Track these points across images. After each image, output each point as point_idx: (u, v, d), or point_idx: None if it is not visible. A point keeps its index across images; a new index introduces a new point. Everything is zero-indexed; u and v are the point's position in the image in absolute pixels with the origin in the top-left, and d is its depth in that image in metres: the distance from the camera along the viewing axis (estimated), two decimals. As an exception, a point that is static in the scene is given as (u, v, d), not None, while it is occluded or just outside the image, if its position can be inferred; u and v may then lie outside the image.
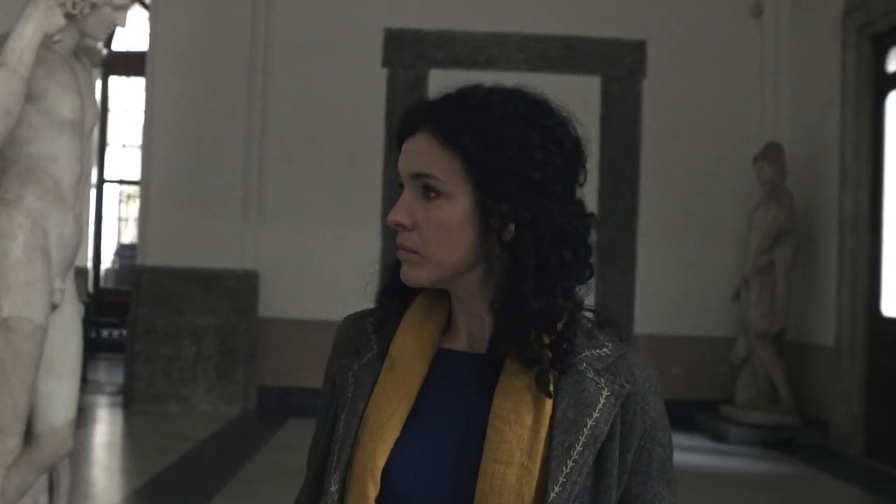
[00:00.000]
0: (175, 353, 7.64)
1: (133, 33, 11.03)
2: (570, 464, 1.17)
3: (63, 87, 2.65)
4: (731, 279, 7.76)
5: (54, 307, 2.71)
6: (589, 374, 1.21)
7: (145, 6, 9.34)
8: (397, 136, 1.26)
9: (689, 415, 7.61)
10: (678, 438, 6.48)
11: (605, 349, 1.24)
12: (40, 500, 2.90)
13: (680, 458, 5.69)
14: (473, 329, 1.27)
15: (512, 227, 1.20)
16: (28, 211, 2.60)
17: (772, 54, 8.06)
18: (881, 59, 6.82)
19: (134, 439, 7.06)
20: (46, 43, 2.55)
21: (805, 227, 7.42)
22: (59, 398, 2.77)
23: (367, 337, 1.30)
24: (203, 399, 7.70)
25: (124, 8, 2.76)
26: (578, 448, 1.18)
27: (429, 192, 1.21)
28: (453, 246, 1.22)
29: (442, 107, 1.23)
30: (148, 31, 8.28)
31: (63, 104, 2.64)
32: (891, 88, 6.73)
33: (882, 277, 6.69)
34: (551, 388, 1.19)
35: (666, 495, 1.25)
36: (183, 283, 7.69)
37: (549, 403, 1.19)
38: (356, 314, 1.35)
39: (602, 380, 1.21)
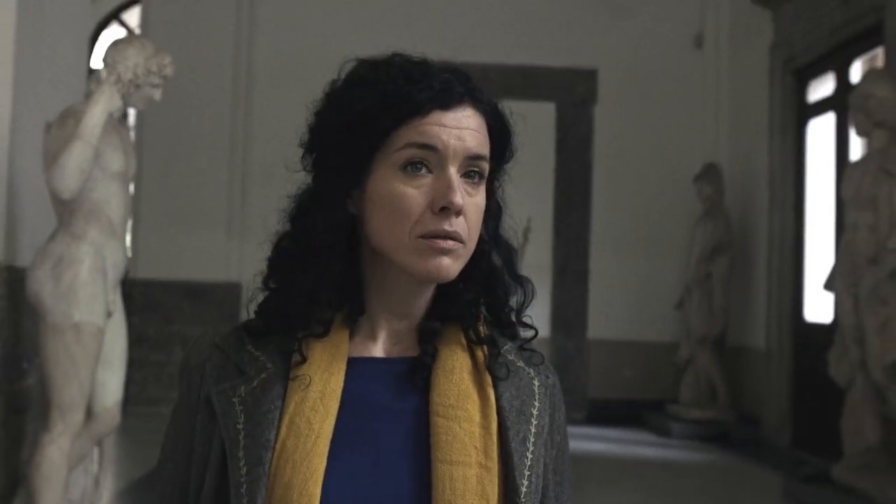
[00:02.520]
0: (165, 360, 8.45)
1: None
2: (529, 456, 1.14)
3: (113, 148, 3.54)
4: (675, 289, 8.66)
5: (109, 314, 3.59)
6: (519, 364, 1.19)
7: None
8: (424, 102, 1.10)
9: (637, 413, 8.54)
10: (628, 434, 7.49)
11: (518, 344, 1.22)
12: (90, 469, 3.78)
13: (628, 450, 6.74)
14: (398, 330, 1.19)
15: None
16: (91, 242, 3.48)
17: (712, 83, 9.02)
18: (803, 90, 7.76)
19: (130, 436, 7.86)
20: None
21: (740, 242, 8.36)
22: (110, 384, 3.66)
23: (250, 355, 1.15)
24: (190, 402, 8.51)
25: (160, 86, 3.63)
26: (532, 439, 1.15)
27: (474, 175, 1.13)
28: (477, 234, 1.15)
29: (473, 83, 1.16)
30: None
31: (114, 161, 3.53)
32: (811, 117, 7.66)
33: (804, 287, 7.61)
34: (489, 377, 1.16)
35: (571, 497, 1.24)
36: (172, 295, 8.52)
37: (493, 395, 1.14)
38: (219, 330, 1.21)
39: (531, 370, 1.20)
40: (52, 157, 3.44)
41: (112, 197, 3.54)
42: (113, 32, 11.51)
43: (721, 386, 8.19)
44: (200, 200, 8.61)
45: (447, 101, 1.11)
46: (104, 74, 3.50)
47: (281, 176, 1.19)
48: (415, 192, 1.11)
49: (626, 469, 7.07)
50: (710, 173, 8.35)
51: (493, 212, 1.20)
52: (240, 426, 1.10)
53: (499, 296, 1.21)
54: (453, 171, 1.11)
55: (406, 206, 1.10)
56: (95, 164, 3.45)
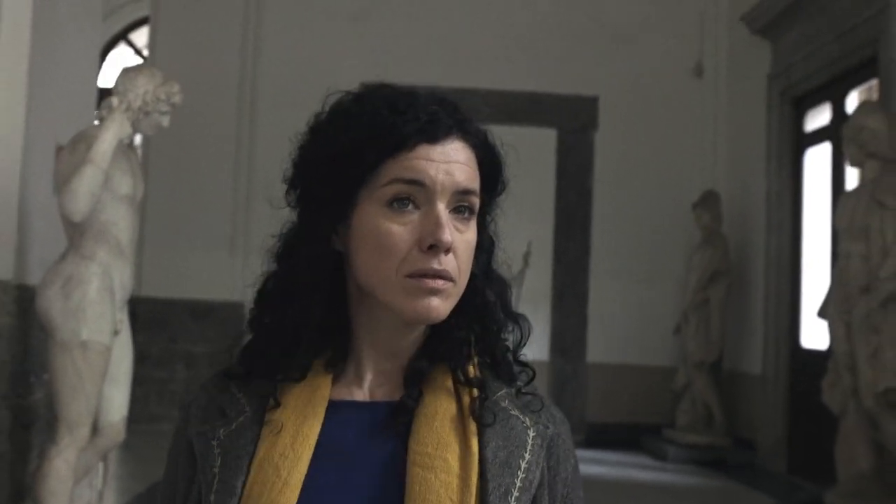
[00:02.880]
0: (168, 377, 8.56)
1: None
2: None
3: (122, 172, 3.67)
4: (672, 314, 8.76)
5: (116, 333, 3.71)
6: (512, 412, 1.14)
7: (143, 57, 10.33)
8: (410, 135, 1.08)
9: (634, 437, 8.62)
10: (624, 457, 7.58)
11: (517, 387, 1.17)
12: (94, 483, 3.89)
13: (625, 473, 6.82)
14: (384, 371, 1.15)
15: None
16: (100, 262, 3.60)
17: (711, 111, 9.15)
18: (800, 119, 7.89)
19: (132, 452, 7.97)
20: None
21: (737, 268, 8.47)
22: (115, 400, 3.77)
23: (232, 397, 1.13)
24: (192, 420, 8.62)
25: (168, 113, 3.77)
26: (515, 494, 1.09)
27: (464, 210, 1.11)
28: (468, 272, 1.13)
29: (462, 114, 1.14)
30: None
31: (122, 184, 3.66)
32: (808, 146, 7.79)
33: (801, 313, 7.72)
34: (474, 426, 1.11)
35: None
36: (176, 313, 8.63)
37: (475, 445, 1.09)
38: (216, 374, 1.19)
39: (527, 419, 1.14)
40: (63, 181, 3.57)
41: (120, 219, 3.67)
42: (121, 53, 11.70)
43: (717, 411, 8.27)
44: (205, 221, 8.74)
45: (434, 134, 1.08)
46: (115, 102, 3.64)
47: (284, 197, 1.17)
48: (401, 230, 1.07)
49: (622, 492, 7.15)
50: (708, 200, 8.46)
51: (485, 246, 1.17)
52: (216, 470, 1.08)
53: (492, 332, 1.16)
54: (441, 207, 1.08)
55: (392, 244, 1.07)
56: (105, 187, 3.58)
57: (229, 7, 8.99)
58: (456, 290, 1.10)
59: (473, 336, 1.16)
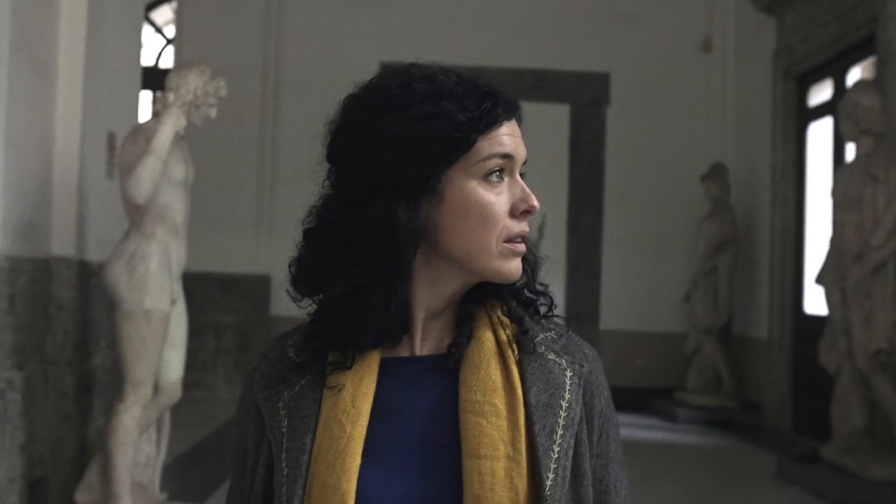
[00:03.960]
0: (199, 347, 9.03)
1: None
2: (556, 449, 1.16)
3: (176, 159, 4.14)
4: (682, 282, 9.18)
5: (173, 302, 4.20)
6: (550, 356, 1.21)
7: (163, 35, 10.76)
8: (500, 114, 1.18)
9: (647, 400, 9.08)
10: (636, 419, 8.13)
11: (552, 332, 1.25)
12: (152, 437, 4.40)
13: (636, 433, 7.36)
14: (429, 327, 1.23)
15: None
16: (158, 240, 4.08)
17: (718, 87, 9.54)
18: (803, 95, 8.26)
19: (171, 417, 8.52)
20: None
21: (744, 238, 8.88)
22: (173, 362, 4.27)
23: (291, 363, 1.23)
24: (223, 387, 9.14)
25: (215, 105, 4.22)
26: (560, 432, 1.17)
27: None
28: None
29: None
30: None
31: (177, 171, 4.13)
32: (811, 120, 8.16)
33: (805, 281, 8.12)
34: (516, 371, 1.19)
35: (623, 477, 1.27)
36: (205, 286, 9.11)
37: (520, 389, 1.17)
38: (270, 340, 1.30)
39: (563, 360, 1.21)
40: (126, 169, 4.04)
41: (175, 201, 4.14)
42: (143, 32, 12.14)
43: (725, 374, 8.71)
44: (232, 200, 9.21)
45: (511, 112, 1.20)
46: (171, 98, 4.10)
47: (308, 175, 1.22)
48: (499, 199, 1.18)
49: (634, 452, 7.61)
50: (716, 172, 8.85)
51: None
52: (283, 430, 1.18)
53: (528, 271, 1.25)
54: (519, 177, 1.21)
55: (495, 213, 1.17)
56: (162, 174, 4.04)
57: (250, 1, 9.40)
58: None
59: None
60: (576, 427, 1.18)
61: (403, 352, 1.22)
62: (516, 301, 1.25)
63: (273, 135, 9.39)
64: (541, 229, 8.79)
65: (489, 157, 1.17)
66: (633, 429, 8.38)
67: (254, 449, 1.23)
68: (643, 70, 9.54)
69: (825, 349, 6.36)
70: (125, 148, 4.13)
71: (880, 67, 6.80)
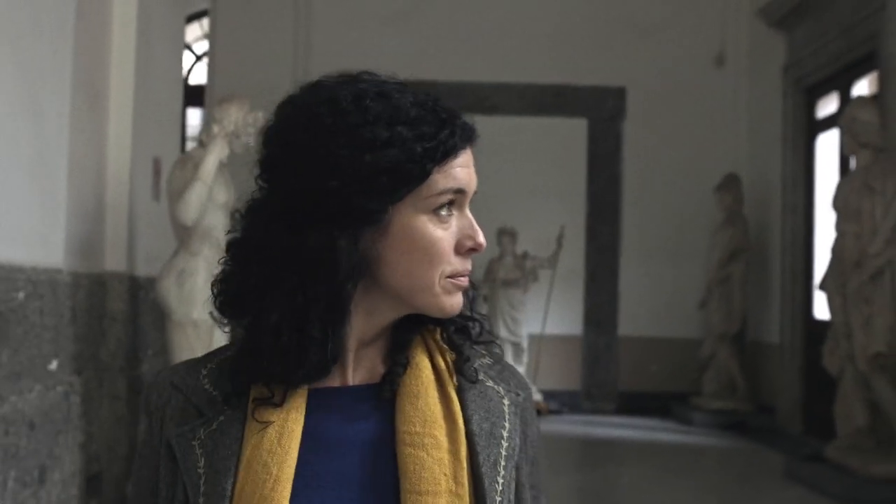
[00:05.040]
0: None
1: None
2: (500, 481, 1.13)
3: (220, 184, 4.63)
4: (697, 289, 9.56)
5: (217, 313, 4.68)
6: (489, 383, 1.18)
7: (193, 53, 11.32)
8: (455, 145, 1.10)
9: (663, 405, 9.49)
10: (654, 423, 8.64)
11: (487, 358, 1.22)
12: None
13: (653, 436, 7.88)
14: (361, 356, 1.16)
15: None
16: (204, 258, 4.57)
17: (731, 99, 9.96)
18: (812, 107, 8.67)
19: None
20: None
21: (756, 246, 9.28)
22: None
23: (208, 395, 1.13)
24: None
25: (254, 135, 4.70)
26: (503, 462, 1.14)
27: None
28: None
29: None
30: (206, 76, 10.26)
31: (220, 194, 4.62)
32: (819, 132, 8.56)
33: (814, 287, 8.49)
34: (456, 400, 1.14)
35: None
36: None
37: (461, 419, 1.13)
38: (177, 369, 1.18)
39: (500, 388, 1.18)
40: (176, 194, 4.53)
41: (219, 222, 4.63)
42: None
43: (739, 378, 9.10)
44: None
45: (467, 141, 1.12)
46: (215, 129, 4.59)
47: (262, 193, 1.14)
48: (447, 235, 1.11)
49: (651, 454, 8.03)
50: (730, 183, 9.26)
51: None
52: (200, 471, 1.09)
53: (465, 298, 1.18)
54: (468, 211, 1.14)
55: (441, 249, 1.10)
56: (208, 197, 4.53)
57: (281, 11, 9.90)
58: None
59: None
60: (516, 457, 1.16)
61: (333, 382, 1.14)
62: (453, 326, 1.19)
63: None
64: (560, 240, 9.23)
65: (442, 192, 1.10)
66: (651, 431, 8.80)
67: (166, 490, 1.13)
68: (659, 84, 9.96)
69: (828, 353, 6.74)
70: (174, 174, 4.63)
71: (882, 82, 7.20)
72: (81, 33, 4.41)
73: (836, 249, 6.59)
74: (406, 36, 9.91)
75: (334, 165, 1.06)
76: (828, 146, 8.41)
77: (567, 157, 9.85)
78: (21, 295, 3.77)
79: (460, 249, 1.13)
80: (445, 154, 1.10)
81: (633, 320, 9.92)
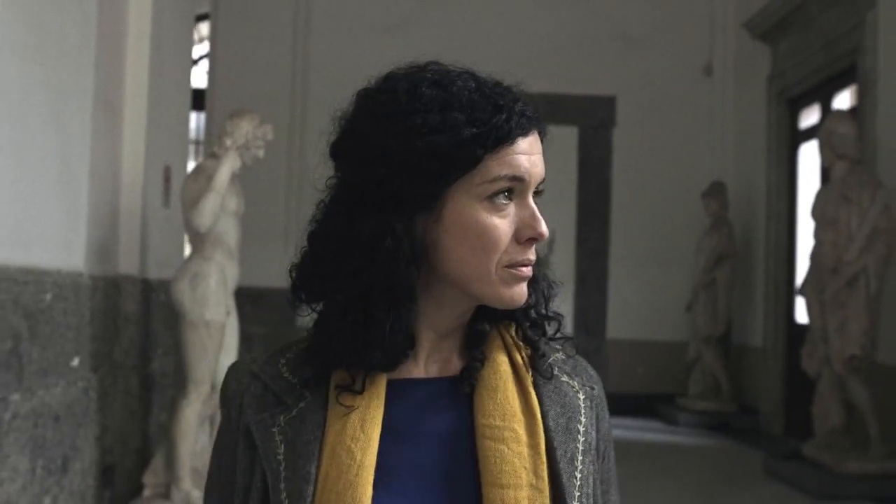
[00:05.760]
0: (232, 356, 9.89)
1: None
2: (578, 476, 1.14)
3: (231, 194, 4.96)
4: (684, 293, 9.91)
5: (228, 314, 5.01)
6: (563, 378, 1.20)
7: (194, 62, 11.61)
8: (512, 130, 1.10)
9: (650, 405, 9.83)
10: (640, 423, 9.03)
11: (560, 353, 1.23)
12: (207, 429, 5.20)
13: (640, 436, 8.26)
14: (438, 348, 1.18)
15: None
16: (216, 262, 4.90)
17: (718, 109, 10.31)
18: (795, 118, 9.02)
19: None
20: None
21: (741, 251, 9.63)
22: (226, 365, 5.08)
23: (287, 383, 1.15)
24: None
25: (263, 147, 5.04)
26: (580, 457, 1.15)
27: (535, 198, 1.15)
28: None
29: (534, 104, 1.18)
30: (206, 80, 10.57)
31: (231, 203, 4.95)
32: (802, 142, 8.91)
33: (795, 292, 8.83)
34: (534, 395, 1.15)
35: (619, 502, 1.26)
36: (237, 299, 9.93)
37: (539, 413, 1.14)
38: (256, 358, 1.21)
39: (575, 383, 1.21)
40: (191, 203, 4.86)
41: (230, 229, 4.97)
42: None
43: (724, 380, 9.45)
44: (262, 218, 10.02)
45: (528, 128, 1.13)
46: (228, 142, 4.92)
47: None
48: (503, 223, 1.11)
49: (637, 452, 8.36)
50: (716, 190, 9.59)
51: None
52: (280, 457, 1.11)
53: (539, 294, 1.21)
54: (531, 199, 1.13)
55: (496, 238, 1.10)
56: (221, 207, 4.87)
57: (280, 18, 10.22)
58: None
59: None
60: (592, 452, 1.17)
61: (410, 373, 1.17)
62: (528, 322, 1.21)
63: (300, 153, 10.21)
64: (550, 244, 9.57)
65: (496, 179, 1.10)
66: (638, 431, 9.14)
67: (243, 477, 1.15)
68: (648, 94, 10.31)
69: (807, 355, 7.09)
70: (188, 184, 4.96)
71: (860, 95, 7.56)
72: (100, 51, 4.74)
73: (814, 256, 6.93)
74: (402, 46, 10.19)
75: (387, 152, 1.09)
76: (810, 156, 8.75)
77: (558, 164, 10.09)
78: (48, 296, 4.09)
79: (520, 238, 1.13)
80: (499, 140, 1.10)
81: (621, 323, 10.26)
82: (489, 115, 1.10)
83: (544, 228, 1.13)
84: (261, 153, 5.07)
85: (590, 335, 10.31)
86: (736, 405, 9.40)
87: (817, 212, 6.95)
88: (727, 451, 8.48)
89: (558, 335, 1.24)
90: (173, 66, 5.94)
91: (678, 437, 8.91)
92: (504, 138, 1.10)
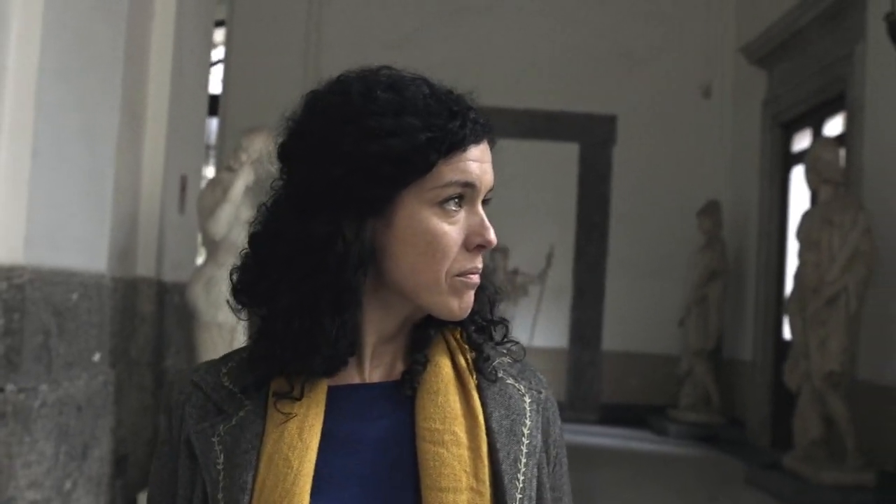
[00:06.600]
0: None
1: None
2: (521, 478, 1.14)
3: (244, 204, 5.34)
4: (677, 308, 10.26)
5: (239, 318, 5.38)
6: (509, 381, 1.20)
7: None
8: (465, 137, 1.11)
9: (642, 416, 10.19)
10: (631, 433, 9.46)
11: (507, 356, 1.23)
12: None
13: (630, 446, 8.71)
14: (380, 353, 1.18)
15: None
16: (229, 268, 5.25)
17: (715, 130, 10.70)
18: (788, 141, 9.39)
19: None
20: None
21: (734, 269, 9.99)
22: (236, 365, 5.46)
23: (227, 392, 1.15)
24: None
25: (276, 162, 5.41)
26: (523, 459, 1.15)
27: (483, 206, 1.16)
28: None
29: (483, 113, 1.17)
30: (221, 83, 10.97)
31: (245, 213, 5.33)
32: (794, 164, 9.27)
33: (784, 310, 9.18)
34: (477, 398, 1.15)
35: None
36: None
37: (481, 416, 1.14)
38: (198, 368, 1.21)
39: (521, 386, 1.20)
40: (207, 212, 5.24)
41: (243, 238, 5.31)
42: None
43: (714, 393, 9.80)
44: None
45: (480, 136, 1.13)
46: (243, 157, 5.31)
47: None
48: (453, 230, 1.11)
49: (628, 461, 8.72)
50: (710, 208, 9.96)
51: None
52: (220, 467, 1.11)
53: (484, 298, 1.20)
54: (480, 207, 1.13)
55: (446, 245, 1.10)
56: (235, 216, 5.26)
57: (294, 28, 10.62)
58: None
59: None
60: (537, 455, 1.17)
61: (351, 378, 1.17)
62: (473, 326, 1.21)
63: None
64: (549, 258, 9.96)
65: (448, 184, 1.11)
66: (629, 441, 9.50)
67: (184, 489, 1.16)
68: (647, 113, 10.70)
69: (789, 370, 7.45)
70: (205, 195, 5.35)
71: (848, 122, 7.92)
72: (126, 69, 5.12)
73: (798, 276, 7.29)
74: (408, 61, 10.37)
75: (340, 154, 1.09)
76: (801, 179, 9.09)
77: (559, 180, 10.57)
78: (75, 296, 4.47)
79: (469, 246, 1.13)
80: (452, 146, 1.10)
81: (616, 336, 10.62)
82: (444, 121, 1.11)
83: (492, 236, 1.13)
84: (274, 168, 5.45)
85: (585, 346, 10.67)
86: (725, 417, 9.75)
87: (802, 233, 7.30)
88: (713, 461, 8.83)
89: (506, 339, 1.24)
90: (192, 81, 6.33)
91: (666, 447, 9.26)
92: (458, 144, 1.11)
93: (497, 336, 1.24)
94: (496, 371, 1.19)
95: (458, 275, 1.12)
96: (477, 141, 1.13)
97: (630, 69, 10.72)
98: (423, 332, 1.20)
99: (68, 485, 4.53)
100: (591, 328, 10.70)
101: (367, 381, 1.18)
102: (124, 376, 5.45)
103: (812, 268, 7.10)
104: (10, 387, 3.87)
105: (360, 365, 1.18)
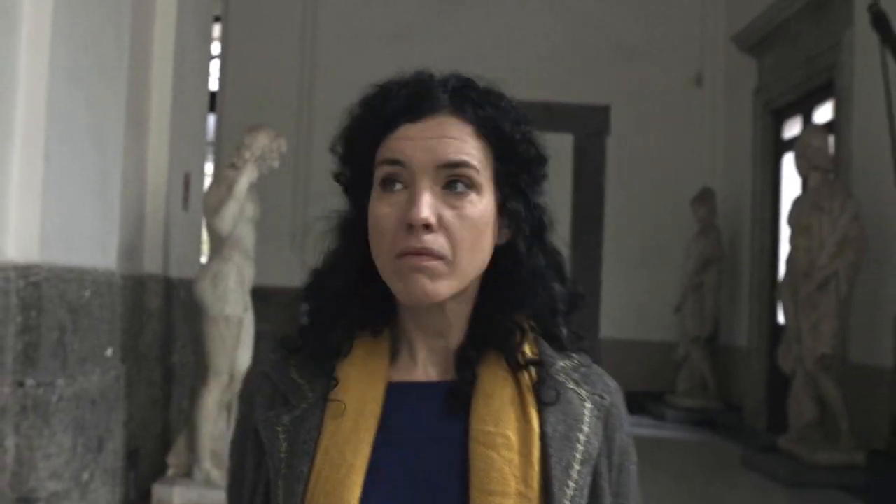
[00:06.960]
0: (240, 352, 10.43)
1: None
2: (571, 485, 1.13)
3: (249, 201, 5.50)
4: (673, 295, 10.45)
5: (245, 310, 5.56)
6: (569, 385, 1.19)
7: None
8: (391, 117, 1.14)
9: (640, 402, 10.35)
10: (631, 419, 9.61)
11: (574, 359, 1.23)
12: (224, 415, 5.76)
13: (631, 431, 8.93)
14: (436, 350, 1.20)
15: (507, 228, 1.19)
16: (235, 263, 5.45)
17: (708, 119, 10.85)
18: (779, 128, 9.56)
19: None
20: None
21: (729, 256, 10.16)
22: (242, 357, 5.62)
23: (293, 383, 1.19)
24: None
25: (277, 159, 5.58)
26: (576, 467, 1.13)
27: (456, 185, 1.13)
28: (482, 249, 1.15)
29: (466, 88, 1.18)
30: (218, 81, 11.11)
31: (249, 209, 5.50)
32: (785, 152, 9.43)
33: (777, 295, 9.37)
34: (532, 401, 1.15)
35: None
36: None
37: (535, 420, 1.14)
38: (271, 359, 1.26)
39: (582, 391, 1.19)
40: (212, 209, 5.41)
41: (248, 233, 5.52)
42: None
43: (711, 379, 9.99)
44: (268, 217, 10.53)
45: (416, 112, 1.13)
46: (246, 155, 5.47)
47: (339, 195, 1.26)
48: (389, 210, 1.12)
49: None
50: (704, 196, 10.13)
51: (523, 217, 1.22)
52: (282, 455, 1.14)
53: (542, 304, 1.21)
54: (425, 185, 1.11)
55: (383, 226, 1.12)
56: (240, 213, 5.42)
57: (289, 25, 10.76)
58: (451, 269, 1.12)
59: (526, 315, 1.20)
60: (594, 462, 1.16)
61: (410, 376, 1.20)
62: (540, 327, 1.22)
63: (307, 158, 10.73)
64: (545, 248, 10.09)
65: (379, 164, 1.14)
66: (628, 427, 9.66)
67: (252, 473, 1.20)
68: (641, 103, 10.84)
69: (782, 354, 7.63)
70: (211, 192, 5.51)
71: (837, 109, 8.09)
72: (131, 71, 5.28)
73: (790, 261, 7.47)
74: (404, 54, 10.68)
75: (335, 149, 1.23)
76: (792, 166, 9.26)
77: (553, 170, 10.36)
78: (88, 293, 4.64)
79: (402, 225, 1.12)
80: (381, 127, 1.14)
81: (613, 323, 10.77)
82: (381, 104, 1.16)
83: (416, 213, 1.10)
84: (276, 164, 5.61)
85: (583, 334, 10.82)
86: (721, 402, 9.94)
87: (793, 219, 7.48)
88: (710, 444, 9.02)
89: (578, 337, 1.29)
90: (193, 81, 6.49)
91: (664, 432, 9.44)
92: (384, 126, 1.15)
93: (568, 341, 1.26)
94: (556, 375, 1.20)
95: (398, 256, 1.12)
96: (413, 118, 1.14)
97: (623, 60, 10.85)
98: (480, 331, 1.21)
99: (86, 476, 4.70)
100: (589, 316, 10.84)
101: (425, 379, 1.20)
102: (133, 371, 5.62)
103: (803, 253, 7.27)
104: (29, 381, 4.03)
105: (416, 362, 1.21)
